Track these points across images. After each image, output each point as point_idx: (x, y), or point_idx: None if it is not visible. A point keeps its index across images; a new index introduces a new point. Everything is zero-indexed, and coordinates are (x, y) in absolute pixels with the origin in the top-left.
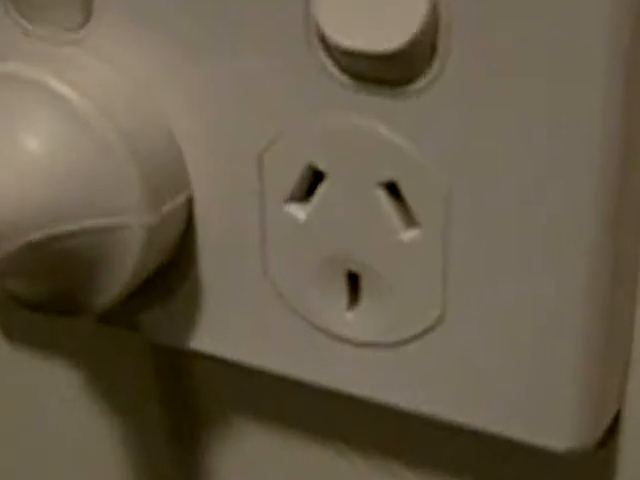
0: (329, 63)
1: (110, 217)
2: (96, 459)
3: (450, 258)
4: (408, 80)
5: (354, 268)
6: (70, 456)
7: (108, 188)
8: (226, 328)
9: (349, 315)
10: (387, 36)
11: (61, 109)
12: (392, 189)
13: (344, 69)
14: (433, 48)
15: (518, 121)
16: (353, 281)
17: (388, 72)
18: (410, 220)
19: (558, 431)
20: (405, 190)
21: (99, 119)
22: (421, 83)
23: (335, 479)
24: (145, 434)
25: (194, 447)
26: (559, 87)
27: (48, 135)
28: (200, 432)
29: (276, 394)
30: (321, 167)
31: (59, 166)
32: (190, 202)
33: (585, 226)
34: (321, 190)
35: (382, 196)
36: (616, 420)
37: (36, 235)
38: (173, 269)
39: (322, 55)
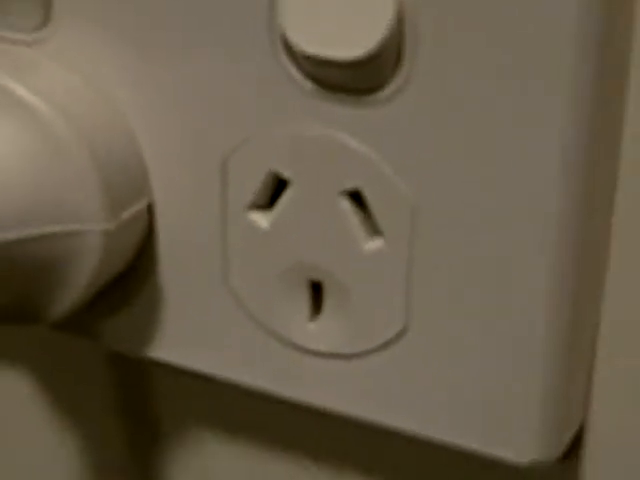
0: (294, 70)
1: (68, 223)
2: (50, 470)
3: (414, 269)
4: (374, 89)
5: (317, 277)
6: (23, 467)
7: (66, 193)
8: (186, 337)
9: (311, 325)
10: (352, 43)
11: (19, 112)
12: (356, 198)
13: (309, 76)
14: (399, 57)
15: (483, 133)
16: (316, 291)
17: (353, 80)
18: (374, 230)
19: (521, 444)
20: (369, 199)
21: (58, 123)
22: (387, 92)
23: None
24: (101, 445)
25: (152, 459)
26: (524, 103)
27: (4, 139)
28: (159, 443)
29: (238, 404)
30: (285, 175)
31: (15, 170)
32: (151, 208)
33: (547, 241)
34: (284, 198)
35: (346, 205)
36: (580, 432)
37: None
38: (132, 276)
39: (286, 62)
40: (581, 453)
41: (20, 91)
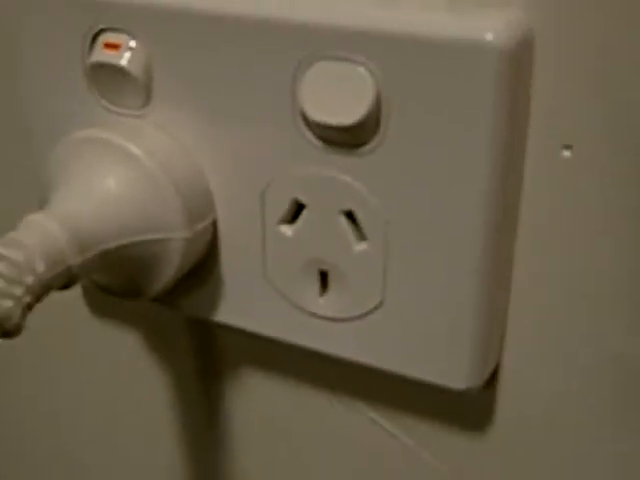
0: (308, 133)
1: (161, 233)
2: (146, 394)
3: (387, 263)
4: (360, 144)
5: (324, 268)
6: (128, 395)
7: (160, 214)
8: (237, 307)
9: (320, 300)
10: (346, 115)
11: (129, 161)
12: (350, 216)
13: (318, 137)
14: (377, 124)
15: (432, 173)
16: (323, 277)
17: (347, 138)
18: (361, 236)
19: (460, 376)
20: (358, 216)
21: (154, 168)
22: (369, 147)
23: (319, 417)
24: (178, 385)
25: (215, 396)
26: (457, 157)
27: (118, 177)
28: (220, 383)
29: (276, 354)
30: (303, 200)
31: (126, 198)
32: (215, 223)
33: (475, 243)
34: (302, 216)
35: (343, 221)
36: (496, 368)
37: (110, 245)
38: (202, 267)
39: (303, 128)
40: (496, 384)
41: (130, 147)
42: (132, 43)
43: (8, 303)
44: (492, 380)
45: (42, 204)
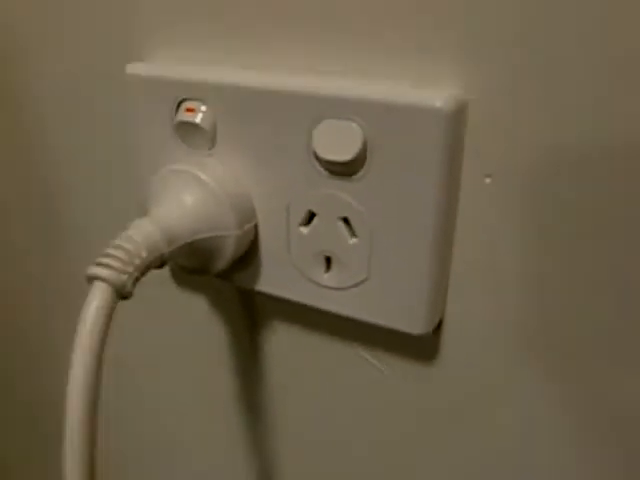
0: (317, 165)
1: (221, 231)
2: (208, 342)
3: (371, 251)
4: (353, 173)
5: (329, 254)
6: (197, 342)
7: (219, 218)
8: (272, 279)
9: (326, 276)
10: (344, 154)
11: (200, 183)
12: (346, 221)
13: (325, 168)
14: (364, 159)
15: (400, 195)
16: (328, 261)
17: (344, 169)
18: (353, 234)
19: (417, 324)
20: (352, 221)
21: (217, 188)
22: (359, 175)
23: (325, 354)
24: (229, 333)
25: (255, 336)
26: (416, 189)
27: (194, 194)
28: (259, 336)
29: (299, 314)
30: (314, 210)
31: (199, 208)
32: (256, 226)
33: (428, 237)
34: (314, 221)
35: (341, 224)
36: (441, 320)
37: (189, 239)
38: (248, 254)
39: (315, 162)
40: (440, 330)
41: (201, 175)
42: (203, 107)
43: (124, 277)
44: (438, 327)
45: (145, 212)
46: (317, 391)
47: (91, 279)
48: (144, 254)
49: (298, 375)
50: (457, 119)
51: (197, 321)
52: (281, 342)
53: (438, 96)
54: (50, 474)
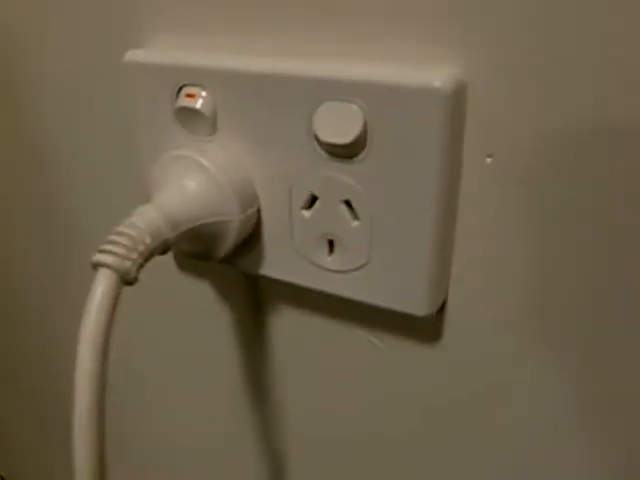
0: (319, 148)
1: (223, 216)
2: (213, 325)
3: (372, 234)
4: (354, 155)
5: (331, 238)
6: (201, 326)
7: (222, 203)
8: (276, 264)
9: (329, 259)
10: (344, 136)
11: (202, 169)
12: (348, 203)
13: (326, 151)
14: (365, 142)
15: (400, 177)
16: (330, 244)
17: (345, 152)
18: (355, 217)
19: (420, 305)
20: (354, 204)
21: (218, 173)
22: (360, 157)
23: (329, 334)
24: (234, 313)
25: (260, 319)
26: (411, 176)
27: (196, 180)
28: (264, 316)
29: (302, 296)
30: (316, 194)
31: (201, 194)
32: (259, 210)
33: (429, 221)
34: (316, 204)
35: (343, 207)
36: (444, 301)
37: (192, 225)
38: (251, 238)
39: (316, 145)
40: (443, 312)
41: (203, 161)
42: (203, 93)
43: (128, 263)
44: (441, 309)
45: (147, 199)
46: (321, 372)
47: (96, 266)
48: (148, 240)
49: (303, 357)
50: (457, 99)
51: (201, 306)
52: (285, 325)
53: (437, 77)
54: (57, 470)
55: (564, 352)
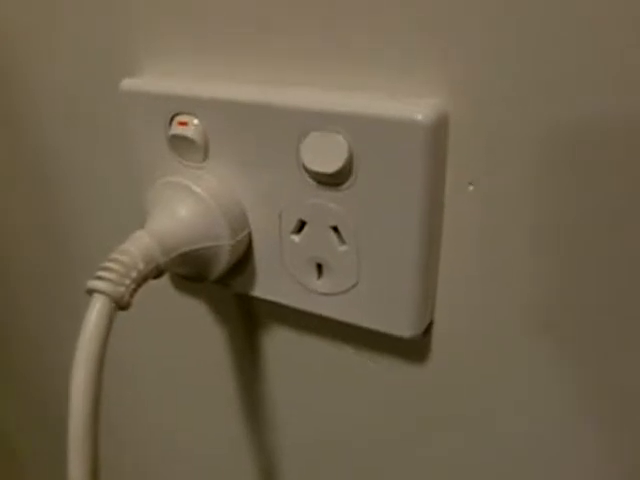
0: (307, 177)
1: (214, 241)
2: (207, 344)
3: (360, 258)
4: (340, 184)
5: (320, 261)
6: (195, 345)
7: (212, 229)
8: (266, 285)
9: (318, 282)
10: (330, 166)
11: (193, 195)
12: (335, 229)
13: (313, 179)
14: (350, 170)
15: (385, 204)
16: (319, 267)
17: (332, 180)
18: (342, 242)
19: (407, 327)
20: (341, 229)
21: (209, 199)
22: (346, 185)
23: (319, 353)
24: (231, 333)
25: (252, 338)
26: (396, 202)
27: (187, 206)
28: (258, 335)
29: (292, 317)
30: (305, 219)
31: (193, 220)
32: (249, 234)
33: (414, 245)
34: (305, 229)
35: (331, 232)
36: (430, 323)
37: (185, 249)
38: (243, 261)
39: (304, 173)
40: (430, 333)
41: (194, 187)
42: (195, 121)
43: (121, 289)
44: (427, 330)
45: (143, 224)
46: (313, 391)
47: (90, 292)
48: (141, 266)
49: (293, 374)
50: (438, 130)
51: (195, 325)
52: (277, 343)
53: (419, 109)
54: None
55: (551, 367)
